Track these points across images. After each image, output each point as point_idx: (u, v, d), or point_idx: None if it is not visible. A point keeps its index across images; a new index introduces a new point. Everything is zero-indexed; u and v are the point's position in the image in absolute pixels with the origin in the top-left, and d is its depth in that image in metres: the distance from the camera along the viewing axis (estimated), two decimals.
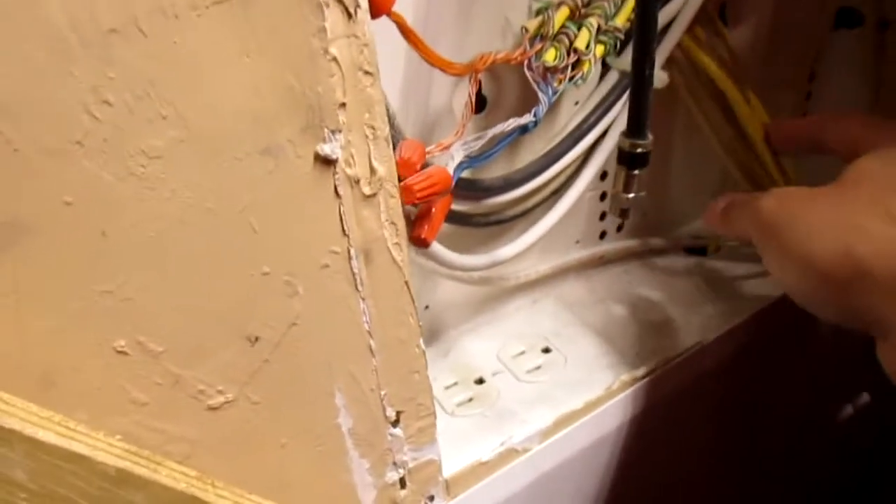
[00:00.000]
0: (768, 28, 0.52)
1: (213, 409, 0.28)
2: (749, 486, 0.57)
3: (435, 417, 0.35)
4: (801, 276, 0.33)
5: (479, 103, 0.43)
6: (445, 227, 0.41)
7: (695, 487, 0.51)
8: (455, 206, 0.39)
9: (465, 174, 0.39)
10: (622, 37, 0.41)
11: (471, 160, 0.36)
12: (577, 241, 0.51)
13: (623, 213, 0.32)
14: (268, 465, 0.31)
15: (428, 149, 0.34)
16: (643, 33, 0.26)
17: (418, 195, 0.28)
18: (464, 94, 0.37)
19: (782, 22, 0.52)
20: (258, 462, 0.30)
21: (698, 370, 0.46)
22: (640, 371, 0.43)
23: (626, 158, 0.30)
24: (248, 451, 0.30)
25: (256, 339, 0.27)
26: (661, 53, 0.43)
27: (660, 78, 0.42)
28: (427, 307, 0.47)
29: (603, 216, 0.52)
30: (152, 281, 0.24)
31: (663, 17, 0.42)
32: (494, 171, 0.43)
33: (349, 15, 0.23)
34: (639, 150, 0.30)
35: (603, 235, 0.53)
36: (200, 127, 0.23)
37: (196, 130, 0.23)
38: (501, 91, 0.43)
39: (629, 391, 0.42)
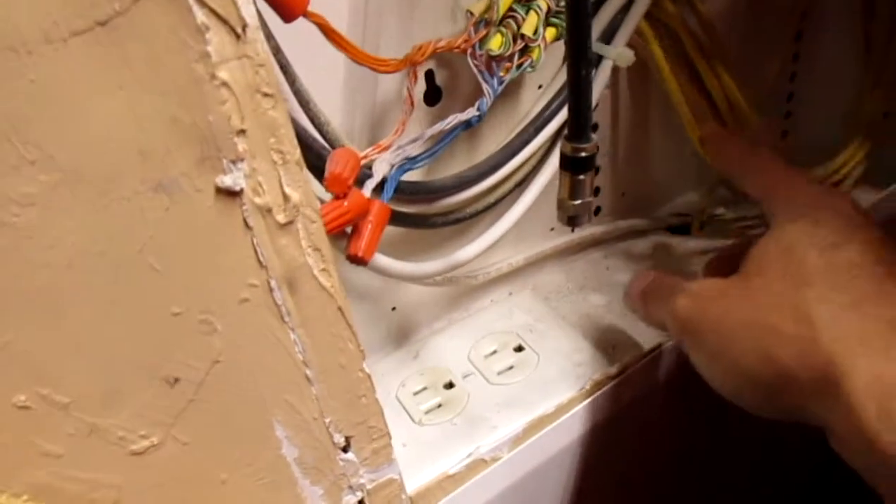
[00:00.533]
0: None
1: (137, 453, 0.26)
2: (727, 481, 0.55)
3: (390, 438, 0.33)
4: (728, 379, 0.33)
5: (434, 95, 0.40)
6: (399, 231, 0.39)
7: (671, 485, 0.50)
8: (408, 209, 0.37)
9: (413, 176, 0.36)
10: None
11: (409, 162, 0.33)
12: (552, 229, 0.49)
13: (571, 221, 0.30)
14: (209, 502, 0.29)
15: (365, 151, 0.32)
16: (576, 34, 0.23)
17: (327, 227, 0.26)
18: (416, 82, 0.35)
19: None
20: (198, 500, 0.29)
21: (681, 360, 0.44)
22: (614, 369, 0.41)
23: (570, 163, 0.28)
24: (185, 492, 0.28)
25: (176, 380, 0.26)
26: (625, 31, 0.40)
27: (626, 56, 0.40)
28: (394, 308, 0.45)
29: None
30: (47, 332, 0.22)
31: None
32: (453, 166, 0.41)
33: (237, 35, 0.21)
34: (582, 153, 0.27)
35: None
36: (76, 168, 0.21)
37: (72, 172, 0.21)
38: (457, 81, 0.40)
39: (603, 390, 0.40)
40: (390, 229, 0.35)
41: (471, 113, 0.35)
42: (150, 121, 0.21)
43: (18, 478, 0.24)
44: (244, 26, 0.21)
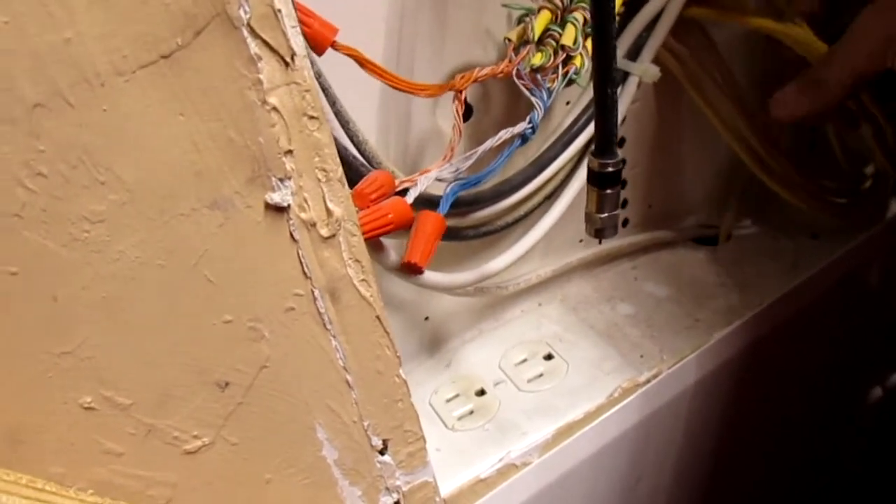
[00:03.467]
0: None
1: (190, 453, 0.28)
2: (769, 481, 0.56)
3: (425, 442, 0.34)
4: None
5: (466, 111, 0.42)
6: None
7: (699, 489, 0.50)
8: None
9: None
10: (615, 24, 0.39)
11: (467, 181, 0.35)
12: (581, 241, 0.50)
13: (599, 234, 0.31)
14: (255, 501, 0.31)
15: (411, 176, 0.33)
16: (602, 56, 0.25)
17: (364, 231, 0.27)
18: (446, 110, 0.36)
19: None
20: (245, 499, 0.31)
21: (707, 368, 0.45)
22: (644, 376, 0.42)
23: (596, 178, 0.29)
24: (233, 489, 0.30)
25: (227, 384, 0.27)
26: (651, 48, 0.41)
27: (651, 73, 0.41)
28: (427, 318, 0.46)
29: None
30: (111, 338, 0.24)
31: (652, 7, 0.41)
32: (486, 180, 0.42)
33: (286, 64, 0.23)
34: (609, 168, 0.28)
35: None
36: (141, 188, 0.23)
37: (137, 191, 0.23)
38: (488, 96, 0.42)
39: (631, 398, 0.41)
40: None
41: (523, 126, 0.36)
42: (206, 144, 0.23)
43: (84, 474, 0.26)
44: (293, 55, 0.23)
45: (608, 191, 0.29)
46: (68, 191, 0.21)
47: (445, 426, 0.42)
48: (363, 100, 0.37)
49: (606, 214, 0.30)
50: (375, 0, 0.36)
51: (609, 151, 0.28)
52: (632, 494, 0.45)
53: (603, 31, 0.24)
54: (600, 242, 0.35)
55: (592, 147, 0.29)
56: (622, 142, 0.48)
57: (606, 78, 0.25)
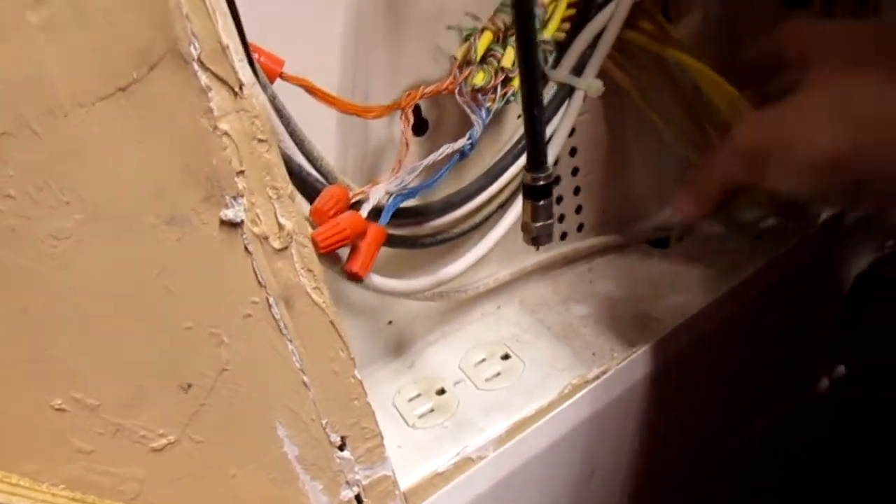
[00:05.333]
0: (716, 16, 0.52)
1: (156, 450, 0.30)
2: (723, 472, 0.58)
3: (382, 438, 0.37)
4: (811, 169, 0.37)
5: (421, 127, 0.44)
6: (391, 251, 0.42)
7: (647, 481, 0.53)
8: (400, 232, 0.41)
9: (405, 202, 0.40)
10: (551, 48, 0.42)
11: (407, 192, 0.37)
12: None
13: (535, 241, 0.33)
14: (221, 496, 0.33)
15: (362, 188, 0.36)
16: (528, 80, 0.27)
17: (322, 246, 0.30)
18: (409, 124, 0.39)
19: (729, 8, 0.52)
20: (211, 493, 0.33)
21: (655, 363, 0.47)
22: (593, 373, 0.45)
23: (530, 191, 0.31)
24: (199, 485, 0.32)
25: (189, 385, 0.30)
26: (594, 64, 0.44)
27: (595, 87, 0.43)
28: (390, 322, 0.49)
29: (561, 218, 0.53)
30: (79, 345, 0.27)
31: (594, 27, 0.43)
32: (442, 190, 0.44)
33: (234, 93, 0.25)
34: (540, 182, 0.31)
35: (564, 236, 0.54)
36: (104, 207, 0.25)
37: (100, 211, 0.25)
38: (441, 112, 0.44)
39: (581, 394, 0.44)
40: (384, 250, 0.39)
41: (463, 143, 0.39)
42: (163, 166, 0.25)
43: (56, 471, 0.28)
44: (241, 85, 0.25)
45: (541, 202, 0.32)
46: (36, 211, 0.24)
47: (407, 424, 0.44)
48: (322, 118, 0.39)
49: (541, 224, 0.32)
50: (331, 24, 0.38)
51: (539, 167, 0.31)
52: (586, 487, 0.48)
53: (528, 59, 0.27)
54: (537, 249, 0.38)
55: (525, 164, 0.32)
56: (574, 151, 0.51)
57: (533, 101, 0.28)
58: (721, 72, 0.47)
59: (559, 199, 0.52)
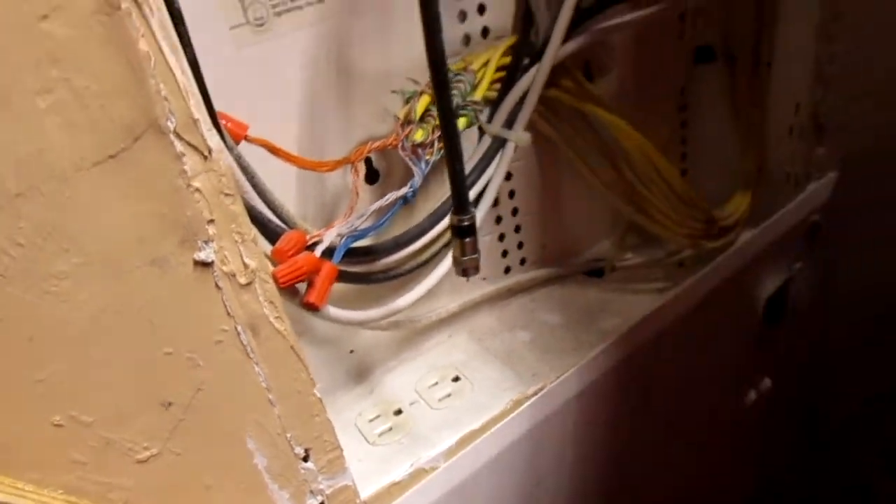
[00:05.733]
0: (631, 75, 0.59)
1: (142, 461, 0.35)
2: (662, 481, 0.63)
3: (342, 450, 0.42)
4: None
5: (373, 176, 0.50)
6: (348, 287, 0.48)
7: (586, 486, 0.58)
8: (355, 269, 0.47)
9: (360, 242, 0.46)
10: (482, 108, 0.48)
11: (358, 234, 0.43)
12: (484, 279, 0.58)
13: (464, 273, 0.39)
14: (198, 503, 0.38)
15: (318, 231, 0.41)
16: (449, 143, 0.33)
17: (282, 281, 0.35)
18: (359, 175, 0.45)
19: (645, 66, 0.59)
20: (189, 500, 0.38)
21: (588, 380, 0.53)
22: (532, 390, 0.50)
23: (456, 231, 0.37)
24: (179, 493, 0.37)
25: (170, 403, 0.35)
26: (522, 118, 0.50)
27: (523, 138, 0.50)
28: (352, 351, 0.54)
29: (505, 254, 0.59)
30: (76, 368, 0.32)
31: (521, 87, 0.50)
32: (394, 231, 0.50)
33: (204, 157, 0.31)
34: (465, 223, 0.37)
35: (508, 270, 0.60)
36: (97, 252, 0.30)
37: (94, 255, 0.30)
38: (391, 163, 0.51)
39: (521, 409, 0.49)
40: (345, 286, 0.45)
41: (405, 190, 0.45)
42: (145, 217, 0.31)
43: (56, 480, 0.33)
44: (209, 150, 0.31)
45: (467, 239, 0.37)
46: (41, 256, 0.29)
47: (367, 442, 0.49)
48: (284, 172, 0.45)
49: (468, 257, 0.38)
50: (291, 92, 0.44)
51: (463, 210, 0.37)
52: (533, 495, 0.53)
53: (447, 125, 0.33)
54: (467, 280, 0.43)
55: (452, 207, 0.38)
56: (512, 194, 0.57)
57: (453, 157, 0.34)
58: (635, 123, 0.54)
59: (501, 237, 0.58)
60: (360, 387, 0.54)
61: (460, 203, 0.36)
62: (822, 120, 0.56)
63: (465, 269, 0.39)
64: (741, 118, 0.60)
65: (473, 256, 0.38)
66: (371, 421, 0.51)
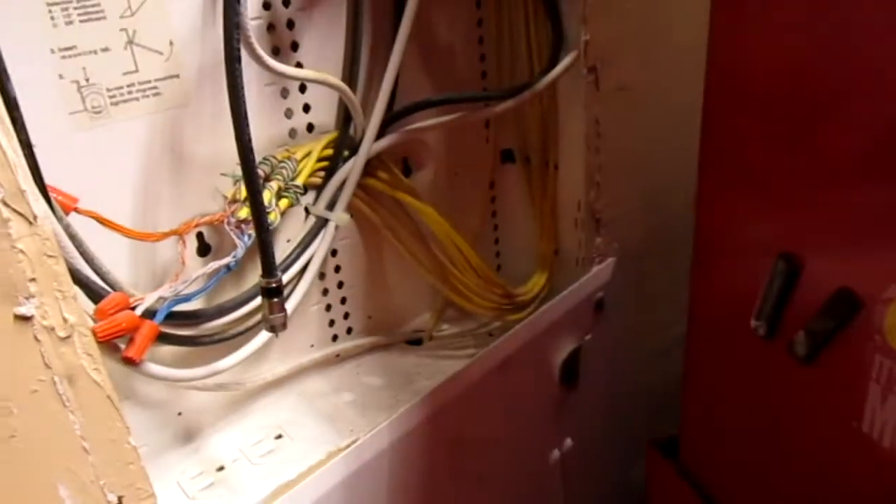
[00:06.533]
0: (446, 169, 0.69)
1: None
2: None
3: (155, 498, 0.45)
4: None
5: (205, 249, 0.55)
6: (181, 350, 0.52)
7: None
8: (181, 332, 0.51)
9: (187, 305, 0.51)
10: (303, 191, 0.55)
11: (181, 298, 0.48)
12: (312, 345, 0.64)
13: (273, 329, 0.45)
14: None
15: (143, 295, 0.46)
16: (257, 216, 0.40)
17: (100, 335, 0.39)
18: (186, 247, 0.50)
19: (457, 163, 0.69)
20: None
21: (398, 433, 0.58)
22: (346, 442, 0.55)
23: (265, 292, 0.43)
24: None
25: None
26: (343, 201, 0.58)
27: (343, 219, 0.57)
28: (180, 413, 0.57)
29: (332, 323, 0.65)
30: None
31: (340, 175, 0.58)
32: (224, 297, 0.55)
33: (30, 222, 0.35)
34: (272, 284, 0.43)
35: (335, 338, 0.66)
36: None
37: None
38: (223, 238, 0.56)
39: (335, 460, 0.54)
40: (175, 349, 0.49)
41: (228, 260, 0.50)
42: None
43: None
44: (35, 217, 0.36)
45: (274, 300, 0.44)
46: None
47: (188, 496, 0.52)
48: (120, 241, 0.49)
49: (275, 316, 0.44)
50: (128, 171, 0.49)
51: (270, 273, 0.43)
52: None
53: (256, 208, 0.39)
54: (276, 336, 0.49)
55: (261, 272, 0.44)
56: (338, 268, 0.64)
57: (260, 227, 0.40)
58: (448, 212, 0.63)
59: (329, 307, 0.64)
60: (187, 447, 0.57)
61: (268, 269, 0.43)
62: (597, 215, 0.67)
63: (273, 326, 0.44)
64: (537, 211, 0.70)
65: (280, 315, 0.44)
66: (193, 478, 0.54)
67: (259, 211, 0.40)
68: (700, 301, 0.55)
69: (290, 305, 0.57)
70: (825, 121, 0.40)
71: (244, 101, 0.39)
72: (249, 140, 0.40)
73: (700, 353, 0.57)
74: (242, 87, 0.39)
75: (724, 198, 0.49)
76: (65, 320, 0.38)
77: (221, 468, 0.55)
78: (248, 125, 0.40)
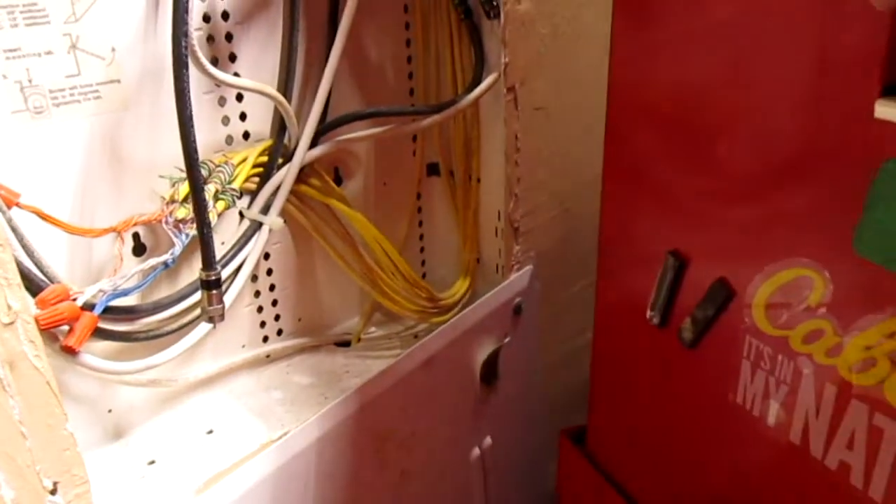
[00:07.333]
0: (375, 178, 0.73)
1: None
2: None
3: (90, 485, 0.46)
4: None
5: (141, 249, 0.57)
6: (115, 346, 0.54)
7: None
8: (118, 327, 0.53)
9: (124, 301, 0.52)
10: (239, 195, 0.58)
11: (119, 292, 0.50)
12: (244, 346, 0.66)
13: (210, 319, 0.48)
14: None
15: (83, 288, 0.48)
16: (198, 212, 0.43)
17: (43, 324, 0.41)
18: (124, 244, 0.52)
19: (385, 173, 0.73)
20: None
21: (326, 427, 0.61)
22: (276, 435, 0.58)
23: (204, 284, 0.46)
24: None
25: None
26: (276, 206, 0.61)
27: (277, 223, 0.60)
28: (110, 411, 0.58)
29: (263, 324, 0.68)
30: None
31: (274, 182, 0.61)
32: (160, 295, 0.57)
33: None
34: (211, 277, 0.46)
35: (266, 339, 0.69)
36: None
37: None
38: (159, 239, 0.58)
39: (264, 451, 0.56)
40: (113, 344, 0.51)
41: (165, 257, 0.53)
42: None
43: None
44: None
45: (213, 291, 0.46)
46: None
47: (120, 488, 0.53)
48: (58, 238, 0.51)
49: (213, 307, 0.47)
50: (65, 170, 0.51)
51: (210, 267, 0.46)
52: None
53: (197, 196, 0.42)
54: (214, 327, 0.52)
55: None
56: (270, 271, 0.66)
57: (202, 222, 0.43)
58: (376, 219, 0.67)
59: (260, 309, 0.67)
60: (118, 443, 0.58)
61: (208, 262, 0.46)
62: (515, 225, 0.72)
63: (211, 317, 0.47)
64: (461, 221, 0.75)
65: (218, 307, 0.47)
66: (125, 471, 0.55)
67: (201, 206, 0.43)
68: (605, 297, 0.60)
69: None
70: (708, 140, 0.46)
71: (190, 104, 0.42)
72: (194, 140, 0.43)
73: (605, 344, 0.62)
74: (189, 91, 0.42)
75: (624, 204, 0.55)
76: (9, 307, 0.40)
77: (153, 462, 0.56)
78: (192, 125, 0.43)
